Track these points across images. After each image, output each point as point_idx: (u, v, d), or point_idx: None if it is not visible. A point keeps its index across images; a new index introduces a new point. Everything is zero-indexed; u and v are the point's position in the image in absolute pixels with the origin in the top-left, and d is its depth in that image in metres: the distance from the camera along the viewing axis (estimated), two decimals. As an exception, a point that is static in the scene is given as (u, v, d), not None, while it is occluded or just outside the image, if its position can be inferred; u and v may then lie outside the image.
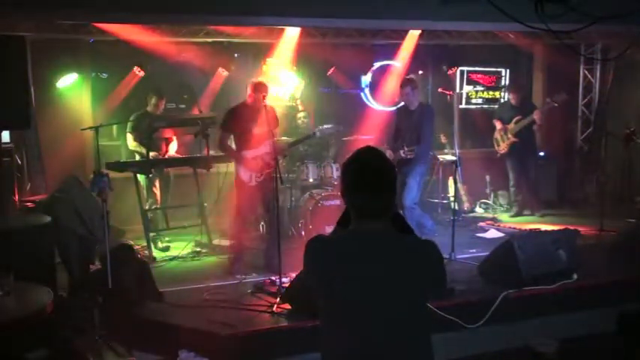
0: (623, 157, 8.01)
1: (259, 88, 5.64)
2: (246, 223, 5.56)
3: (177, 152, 7.07)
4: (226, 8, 5.68)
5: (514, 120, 7.89)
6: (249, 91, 5.69)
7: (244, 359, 4.34)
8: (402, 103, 6.75)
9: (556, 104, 7.81)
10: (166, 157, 6.88)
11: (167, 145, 6.97)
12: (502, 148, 8.03)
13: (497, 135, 8.10)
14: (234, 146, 5.87)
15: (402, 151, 6.46)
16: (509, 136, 7.92)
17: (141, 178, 6.68)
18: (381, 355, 1.99)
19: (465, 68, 9.02)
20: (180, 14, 5.99)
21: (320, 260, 2.14)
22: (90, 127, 6.15)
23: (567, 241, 5.38)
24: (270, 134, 5.58)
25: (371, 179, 2.03)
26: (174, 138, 7.04)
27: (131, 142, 6.76)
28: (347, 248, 2.10)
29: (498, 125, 8.06)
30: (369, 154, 2.10)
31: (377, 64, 8.64)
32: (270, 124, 5.59)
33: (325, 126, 6.42)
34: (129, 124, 6.79)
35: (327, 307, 2.11)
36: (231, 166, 6.37)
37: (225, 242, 6.89)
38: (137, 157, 6.74)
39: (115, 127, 7.37)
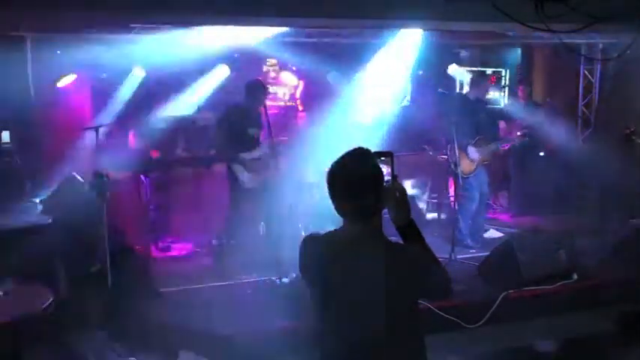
0: (623, 157, 8.01)
1: (254, 90, 5.61)
2: (240, 225, 5.53)
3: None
4: (227, 8, 5.67)
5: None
6: (244, 92, 5.65)
7: (244, 359, 4.34)
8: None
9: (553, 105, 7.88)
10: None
11: None
12: (505, 144, 8.03)
13: (501, 133, 8.11)
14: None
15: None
16: (513, 133, 7.92)
17: (144, 178, 6.69)
18: (362, 356, 2.01)
19: (465, 68, 9.00)
20: (181, 14, 5.98)
21: (305, 257, 2.17)
22: (90, 127, 6.13)
23: (567, 241, 5.38)
24: (269, 135, 5.58)
25: (344, 183, 2.03)
26: None
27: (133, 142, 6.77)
28: (326, 248, 2.13)
29: (502, 124, 8.06)
30: (348, 157, 2.07)
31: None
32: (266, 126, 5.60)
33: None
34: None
35: (313, 306, 2.13)
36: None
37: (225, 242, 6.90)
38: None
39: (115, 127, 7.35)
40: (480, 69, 6.98)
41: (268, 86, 5.96)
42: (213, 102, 7.76)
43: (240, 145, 5.52)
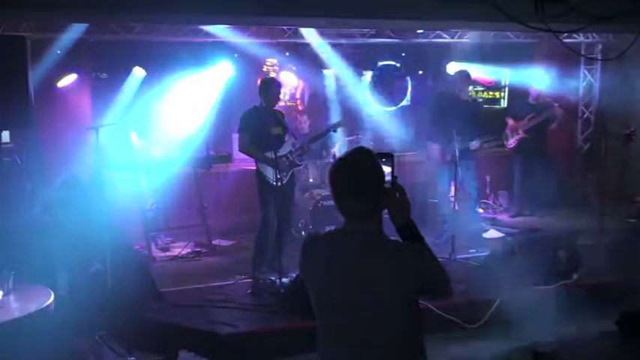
0: (622, 157, 8.01)
1: (266, 87, 5.60)
2: (271, 223, 5.53)
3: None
4: (227, 8, 5.67)
5: (528, 117, 7.89)
6: (261, 90, 5.59)
7: (244, 359, 4.34)
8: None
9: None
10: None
11: None
12: (510, 143, 8.01)
13: (507, 130, 8.09)
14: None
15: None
16: (520, 131, 7.91)
17: (144, 178, 6.69)
18: (361, 356, 2.01)
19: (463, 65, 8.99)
20: (181, 14, 5.98)
21: (305, 257, 2.18)
22: (94, 127, 6.12)
23: (567, 241, 5.38)
24: (291, 133, 5.63)
25: (344, 181, 2.06)
26: None
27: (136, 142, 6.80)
28: (326, 247, 2.14)
29: (510, 122, 8.05)
30: (350, 156, 2.10)
31: (377, 64, 8.63)
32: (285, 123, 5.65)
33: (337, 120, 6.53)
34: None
35: (314, 305, 2.15)
36: (231, 167, 6.36)
37: (226, 242, 6.90)
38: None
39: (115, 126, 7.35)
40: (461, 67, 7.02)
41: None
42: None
43: (265, 145, 5.48)
